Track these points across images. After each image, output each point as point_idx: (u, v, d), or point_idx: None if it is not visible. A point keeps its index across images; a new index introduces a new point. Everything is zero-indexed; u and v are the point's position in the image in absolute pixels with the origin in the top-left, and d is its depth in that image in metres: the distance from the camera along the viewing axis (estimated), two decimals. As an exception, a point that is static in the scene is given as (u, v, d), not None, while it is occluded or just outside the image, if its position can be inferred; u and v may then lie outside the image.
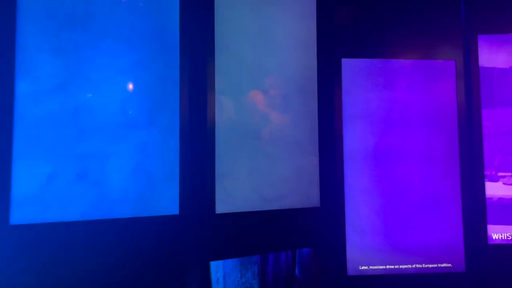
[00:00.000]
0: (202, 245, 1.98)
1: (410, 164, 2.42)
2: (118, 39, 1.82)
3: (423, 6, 2.51)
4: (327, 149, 2.37)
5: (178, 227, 1.91)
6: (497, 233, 2.40)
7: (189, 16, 2.00)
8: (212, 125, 2.01)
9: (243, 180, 2.09)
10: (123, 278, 1.76)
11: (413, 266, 2.38)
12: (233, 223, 2.06)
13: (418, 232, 2.39)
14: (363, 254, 2.36)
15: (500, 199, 2.42)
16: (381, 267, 2.36)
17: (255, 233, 2.12)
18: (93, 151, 1.72)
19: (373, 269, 2.36)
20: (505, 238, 2.40)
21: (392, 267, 2.37)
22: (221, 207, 2.02)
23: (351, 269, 2.35)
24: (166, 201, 1.89)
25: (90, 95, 1.74)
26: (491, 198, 2.42)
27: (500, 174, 2.44)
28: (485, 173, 2.43)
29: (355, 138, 2.40)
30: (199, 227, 1.97)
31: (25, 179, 1.59)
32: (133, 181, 1.81)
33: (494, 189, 2.43)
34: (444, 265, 2.39)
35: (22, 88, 1.61)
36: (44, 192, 1.62)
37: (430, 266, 2.38)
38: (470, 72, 2.47)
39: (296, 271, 2.54)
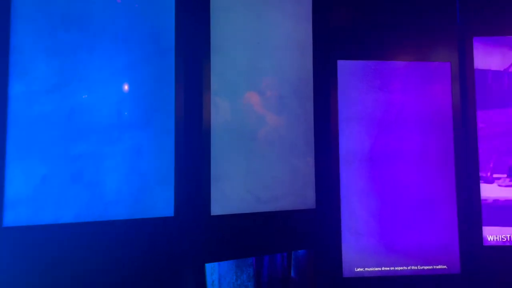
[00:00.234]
0: (197, 247, 1.97)
1: (406, 165, 2.42)
2: (113, 40, 1.81)
3: (419, 8, 2.52)
4: (323, 150, 2.37)
5: (173, 229, 1.90)
6: (492, 235, 2.41)
7: (185, 17, 1.99)
8: (207, 127, 2.01)
9: (238, 182, 2.09)
10: (117, 280, 1.75)
11: (409, 268, 2.38)
12: (229, 225, 2.05)
13: (413, 234, 2.40)
14: (359, 256, 2.36)
15: (495, 201, 2.43)
16: (376, 269, 2.36)
17: (250, 234, 2.12)
18: (87, 153, 1.72)
19: (368, 271, 2.36)
20: (500, 239, 2.40)
21: (388, 269, 2.37)
22: (216, 209, 2.02)
23: (346, 271, 2.35)
24: (161, 203, 1.88)
25: (85, 96, 1.73)
26: (486, 200, 2.43)
27: (495, 175, 2.45)
28: (480, 174, 2.44)
29: (351, 140, 2.40)
30: (194, 229, 1.96)
31: (18, 181, 1.58)
32: (128, 182, 1.80)
33: (489, 191, 2.44)
34: (439, 266, 2.39)
35: (16, 88, 1.60)
36: (38, 194, 1.61)
37: (426, 268, 2.38)
38: (465, 74, 2.47)
39: (292, 273, 2.53)
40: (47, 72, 1.66)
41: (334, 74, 2.42)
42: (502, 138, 2.46)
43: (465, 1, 2.51)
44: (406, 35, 2.50)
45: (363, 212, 2.38)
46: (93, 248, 1.70)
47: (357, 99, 2.42)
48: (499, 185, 2.44)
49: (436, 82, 2.47)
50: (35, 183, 1.61)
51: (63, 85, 1.68)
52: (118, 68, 1.81)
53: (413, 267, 2.38)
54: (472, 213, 2.42)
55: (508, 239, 2.40)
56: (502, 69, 2.48)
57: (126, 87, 1.83)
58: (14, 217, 1.56)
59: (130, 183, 1.81)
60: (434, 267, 2.39)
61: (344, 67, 2.43)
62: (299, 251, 2.49)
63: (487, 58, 2.49)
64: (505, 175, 2.45)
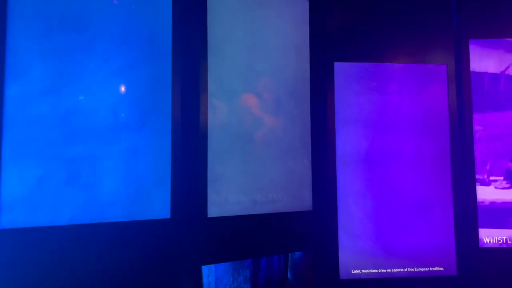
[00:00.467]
0: (193, 249, 1.97)
1: (402, 167, 2.43)
2: (110, 41, 1.81)
3: (415, 11, 2.53)
4: (319, 152, 2.37)
5: (170, 231, 1.89)
6: (489, 237, 2.42)
7: (182, 19, 1.99)
8: (204, 128, 2.01)
9: (235, 184, 2.09)
10: (113, 283, 1.74)
11: (405, 269, 2.38)
12: (225, 227, 2.05)
13: (410, 236, 2.40)
14: (356, 258, 2.36)
15: (492, 203, 2.44)
16: (373, 270, 2.36)
17: (247, 236, 2.12)
18: (84, 154, 1.71)
19: (365, 272, 2.36)
20: (497, 241, 2.41)
21: (385, 270, 2.37)
22: (213, 211, 2.01)
23: (343, 273, 2.35)
24: (158, 205, 1.88)
25: (82, 97, 1.73)
26: (482, 202, 2.44)
27: (492, 178, 2.45)
28: (476, 177, 2.44)
29: (348, 142, 2.41)
30: (191, 231, 1.96)
31: (14, 182, 1.58)
32: (124, 184, 1.80)
33: (486, 193, 2.44)
34: (436, 268, 2.39)
35: (12, 90, 1.59)
36: (33, 195, 1.60)
37: (422, 269, 2.38)
38: (461, 76, 2.48)
39: (289, 274, 2.53)
40: (43, 73, 1.65)
41: (330, 75, 2.42)
42: (498, 140, 2.47)
43: (461, 4, 2.52)
44: (403, 37, 2.51)
45: (360, 214, 2.38)
46: (89, 250, 1.69)
47: (354, 101, 2.43)
48: (496, 187, 2.45)
49: (432, 84, 2.48)
50: (31, 184, 1.60)
51: (59, 86, 1.68)
52: (115, 69, 1.81)
53: (409, 269, 2.38)
54: (468, 215, 2.43)
55: (505, 241, 2.41)
56: (498, 72, 2.49)
57: (122, 88, 1.83)
58: (9, 219, 1.56)
59: (127, 185, 1.80)
60: (431, 269, 2.39)
61: (341, 69, 2.43)
62: (296, 253, 2.49)
63: (484, 60, 2.49)
64: (502, 178, 2.45)
